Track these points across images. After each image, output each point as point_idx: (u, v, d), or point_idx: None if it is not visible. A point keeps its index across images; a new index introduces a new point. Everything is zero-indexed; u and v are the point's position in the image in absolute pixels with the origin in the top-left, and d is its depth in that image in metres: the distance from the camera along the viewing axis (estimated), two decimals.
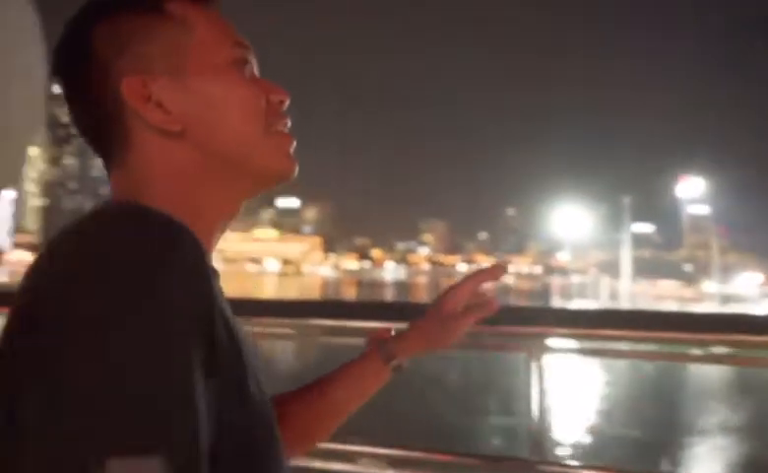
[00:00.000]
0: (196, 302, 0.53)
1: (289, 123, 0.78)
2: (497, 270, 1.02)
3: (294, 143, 0.78)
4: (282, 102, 0.77)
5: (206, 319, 0.53)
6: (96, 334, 0.48)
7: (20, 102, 61.77)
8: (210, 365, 0.52)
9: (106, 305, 0.49)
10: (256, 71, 0.78)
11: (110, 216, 0.58)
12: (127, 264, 0.51)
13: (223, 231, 0.75)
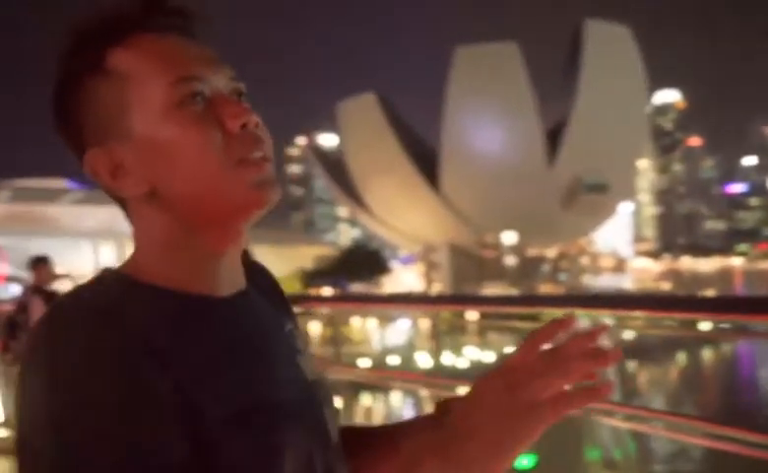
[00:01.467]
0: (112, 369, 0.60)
1: (261, 143, 0.71)
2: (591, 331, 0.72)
3: (266, 167, 0.71)
4: (244, 126, 0.70)
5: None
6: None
7: (625, 119, 65.96)
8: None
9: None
10: (223, 87, 0.72)
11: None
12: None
13: (234, 254, 0.75)
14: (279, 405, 0.70)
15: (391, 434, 0.85)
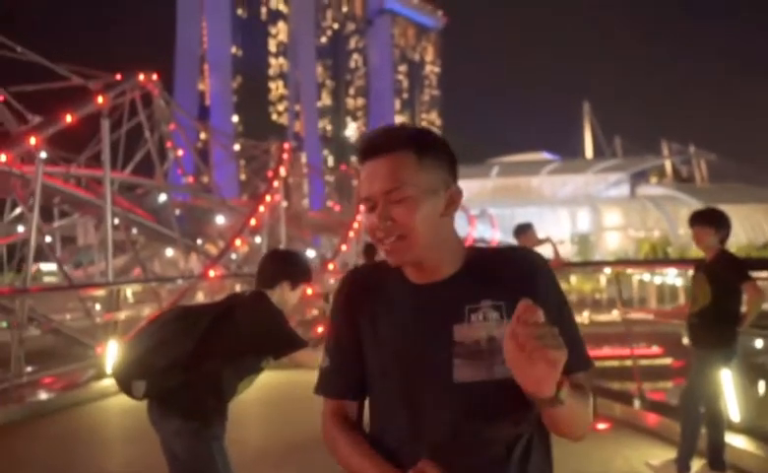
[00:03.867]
0: (339, 299, 1.44)
1: (381, 231, 1.30)
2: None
3: (386, 242, 1.30)
4: (373, 225, 1.33)
5: (341, 305, 1.43)
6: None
7: None
8: (349, 322, 1.40)
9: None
10: (378, 197, 1.30)
11: None
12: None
13: (424, 264, 1.34)
14: (393, 348, 1.33)
15: None
